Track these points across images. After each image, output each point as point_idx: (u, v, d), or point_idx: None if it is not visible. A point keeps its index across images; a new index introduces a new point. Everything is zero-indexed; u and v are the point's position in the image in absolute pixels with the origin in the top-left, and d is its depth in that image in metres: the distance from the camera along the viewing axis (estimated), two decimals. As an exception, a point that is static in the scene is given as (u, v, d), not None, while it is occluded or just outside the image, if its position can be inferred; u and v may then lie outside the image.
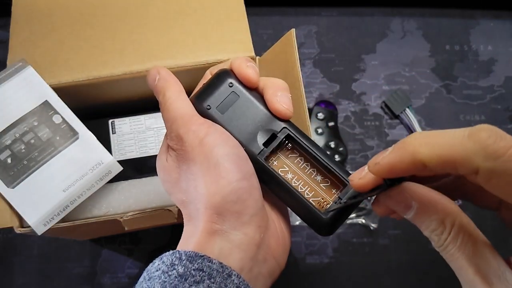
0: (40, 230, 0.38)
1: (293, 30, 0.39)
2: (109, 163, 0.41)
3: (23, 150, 0.40)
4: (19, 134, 0.40)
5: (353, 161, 0.63)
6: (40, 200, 0.39)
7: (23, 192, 0.39)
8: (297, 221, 0.59)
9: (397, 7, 0.69)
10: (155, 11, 0.47)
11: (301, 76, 0.38)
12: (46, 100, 0.41)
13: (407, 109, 0.64)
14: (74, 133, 0.41)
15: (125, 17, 0.46)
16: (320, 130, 0.61)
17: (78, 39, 0.45)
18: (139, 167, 0.46)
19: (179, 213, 0.41)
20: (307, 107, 0.37)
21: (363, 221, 0.60)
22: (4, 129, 0.40)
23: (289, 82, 0.40)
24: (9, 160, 0.39)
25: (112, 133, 0.47)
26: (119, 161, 0.46)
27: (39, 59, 0.44)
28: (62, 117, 0.41)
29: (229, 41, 0.45)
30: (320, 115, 0.62)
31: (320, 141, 0.61)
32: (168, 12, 0.46)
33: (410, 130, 0.64)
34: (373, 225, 0.60)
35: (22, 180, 0.39)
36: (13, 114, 0.40)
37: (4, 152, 0.39)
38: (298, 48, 0.39)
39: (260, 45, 0.66)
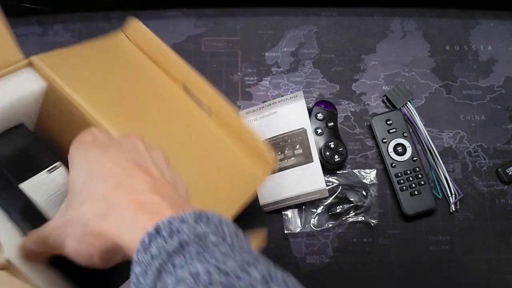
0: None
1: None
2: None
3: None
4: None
5: (353, 161, 0.63)
6: None
7: None
8: (297, 228, 0.59)
9: (397, 7, 0.69)
10: None
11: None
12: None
13: (408, 102, 0.64)
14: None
15: None
16: (319, 131, 0.61)
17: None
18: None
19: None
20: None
21: (363, 218, 0.60)
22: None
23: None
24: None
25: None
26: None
27: None
28: None
29: None
30: (320, 115, 0.62)
31: (320, 141, 0.61)
32: None
33: (411, 123, 0.64)
34: (373, 221, 0.60)
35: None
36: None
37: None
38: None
39: (260, 45, 0.66)
